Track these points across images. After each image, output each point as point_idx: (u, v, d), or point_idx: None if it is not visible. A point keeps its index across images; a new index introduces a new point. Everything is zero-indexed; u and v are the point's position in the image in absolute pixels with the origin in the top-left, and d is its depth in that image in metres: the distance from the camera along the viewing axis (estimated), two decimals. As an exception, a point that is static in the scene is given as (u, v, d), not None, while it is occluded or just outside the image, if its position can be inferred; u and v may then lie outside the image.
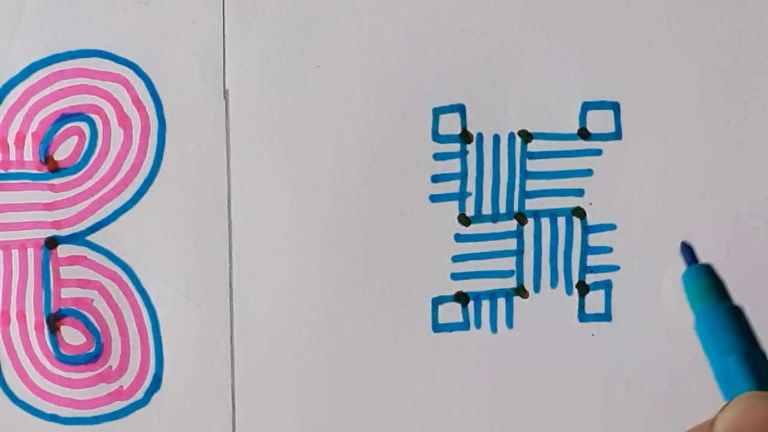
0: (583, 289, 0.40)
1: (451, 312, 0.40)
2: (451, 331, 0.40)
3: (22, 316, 0.38)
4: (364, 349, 0.40)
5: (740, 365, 0.31)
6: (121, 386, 0.39)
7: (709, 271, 0.33)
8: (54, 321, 0.39)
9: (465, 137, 0.40)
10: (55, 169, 0.38)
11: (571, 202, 0.40)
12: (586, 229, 0.40)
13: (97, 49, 0.38)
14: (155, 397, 0.39)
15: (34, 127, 0.38)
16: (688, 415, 0.32)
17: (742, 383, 0.30)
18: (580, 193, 0.40)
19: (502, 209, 0.40)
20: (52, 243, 0.38)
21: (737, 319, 0.32)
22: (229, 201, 0.39)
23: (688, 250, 0.34)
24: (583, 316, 0.40)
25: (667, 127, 0.40)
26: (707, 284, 0.33)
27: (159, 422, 0.39)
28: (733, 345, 0.31)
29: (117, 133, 0.38)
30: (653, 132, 0.40)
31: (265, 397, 0.39)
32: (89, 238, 0.39)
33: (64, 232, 0.38)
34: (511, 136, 0.40)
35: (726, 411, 0.29)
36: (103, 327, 0.39)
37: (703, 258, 0.32)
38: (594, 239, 0.40)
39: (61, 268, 0.38)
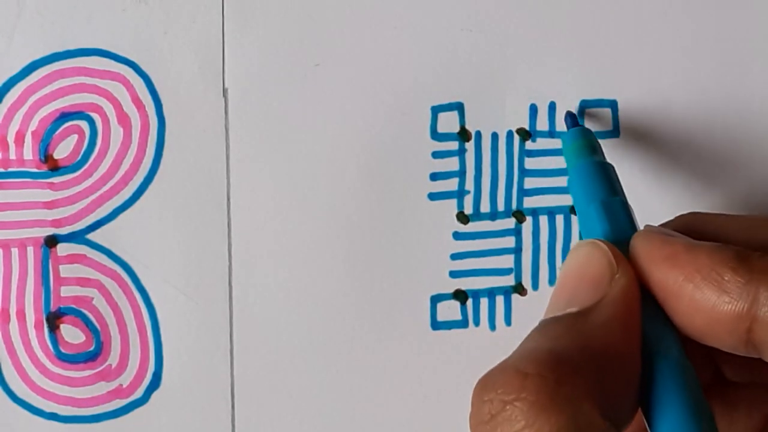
0: (582, 286, 0.40)
1: (449, 310, 0.40)
2: (449, 328, 0.40)
3: (21, 315, 0.38)
4: (363, 346, 0.40)
5: (598, 211, 0.31)
6: (121, 384, 0.39)
7: (585, 132, 0.35)
8: (53, 319, 0.39)
9: (463, 135, 0.40)
10: (55, 168, 0.38)
11: (569, 200, 0.40)
12: (585, 227, 0.40)
13: (97, 47, 0.38)
14: (155, 395, 0.39)
15: (33, 125, 0.38)
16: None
17: (598, 227, 0.31)
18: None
19: (501, 207, 0.40)
20: (51, 241, 0.38)
21: (603, 172, 0.33)
22: (228, 199, 0.39)
23: (570, 116, 0.36)
24: (581, 314, 0.40)
25: (664, 126, 0.40)
26: (582, 143, 0.34)
27: (158, 420, 0.39)
28: (595, 193, 0.32)
29: (116, 132, 0.38)
30: (651, 130, 0.40)
31: (265, 395, 0.39)
32: (89, 236, 0.39)
33: (64, 230, 0.38)
34: (510, 134, 0.40)
35: (568, 255, 0.30)
36: (103, 325, 0.39)
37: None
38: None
39: (60, 267, 0.39)
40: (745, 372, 0.33)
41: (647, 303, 0.29)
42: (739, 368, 0.33)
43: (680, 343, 0.29)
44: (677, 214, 0.34)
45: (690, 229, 0.32)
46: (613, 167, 0.34)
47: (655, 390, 0.28)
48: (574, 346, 0.27)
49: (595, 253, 0.30)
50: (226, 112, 0.39)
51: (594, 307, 0.28)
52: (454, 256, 0.40)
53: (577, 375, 0.27)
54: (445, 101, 0.39)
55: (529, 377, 0.26)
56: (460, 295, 0.40)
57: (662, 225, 0.32)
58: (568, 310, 0.29)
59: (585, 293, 0.29)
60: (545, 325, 0.29)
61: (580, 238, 0.32)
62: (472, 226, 0.40)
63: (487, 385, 0.27)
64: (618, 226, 0.31)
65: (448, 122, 0.40)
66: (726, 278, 0.28)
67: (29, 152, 0.38)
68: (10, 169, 0.38)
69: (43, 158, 0.38)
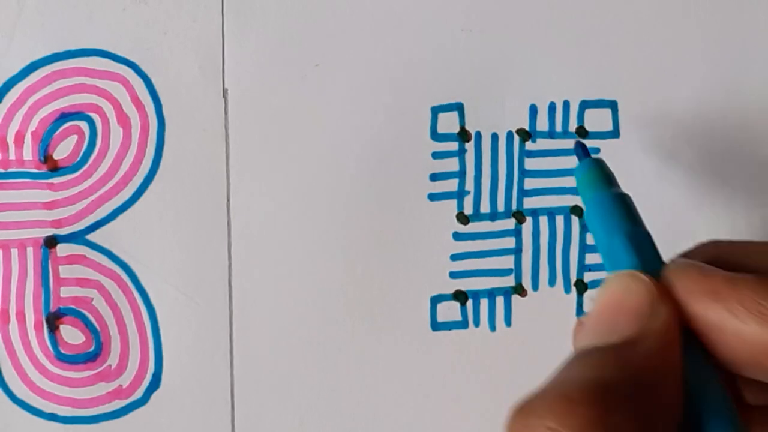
0: (581, 287, 0.40)
1: (449, 310, 0.40)
2: (449, 329, 0.40)
3: (21, 316, 0.38)
4: (362, 347, 0.40)
5: (624, 243, 0.31)
6: (121, 385, 0.39)
7: (598, 163, 0.35)
8: (53, 320, 0.39)
9: (463, 136, 0.40)
10: (55, 168, 0.38)
11: (569, 200, 0.40)
12: (585, 228, 0.40)
13: (97, 48, 0.38)
14: (154, 396, 0.39)
15: (33, 126, 0.38)
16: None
17: (625, 260, 0.31)
18: (578, 191, 0.40)
19: (501, 208, 0.40)
20: (51, 242, 0.38)
21: (623, 203, 0.33)
22: (228, 199, 0.39)
23: (580, 147, 0.35)
24: (581, 315, 0.40)
25: (664, 126, 0.40)
26: (596, 175, 0.34)
27: (158, 421, 0.39)
28: (618, 226, 0.32)
29: (116, 132, 0.38)
30: (651, 130, 0.40)
31: (264, 395, 0.39)
32: (88, 237, 0.39)
33: (64, 231, 0.38)
34: (510, 135, 0.40)
35: (602, 286, 0.30)
36: (103, 326, 0.39)
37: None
38: (592, 237, 0.40)
39: (60, 267, 0.39)
40: (765, 395, 0.33)
41: (684, 335, 0.29)
42: (759, 392, 0.33)
43: (723, 387, 0.29)
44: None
45: (713, 258, 0.32)
46: (630, 197, 0.34)
47: (703, 425, 0.28)
48: (620, 377, 0.27)
49: (634, 284, 0.29)
50: (225, 113, 0.39)
51: (637, 339, 0.28)
52: (454, 257, 0.40)
53: (625, 405, 0.26)
54: (445, 102, 0.39)
55: (576, 404, 0.26)
56: (460, 296, 0.40)
57: (684, 255, 0.32)
58: (609, 341, 0.28)
59: (625, 324, 0.28)
60: (586, 353, 0.28)
61: (607, 270, 0.32)
62: (472, 227, 0.40)
63: (529, 411, 0.27)
64: (645, 257, 0.31)
65: (448, 123, 0.40)
66: None
67: (29, 153, 0.38)
68: (9, 170, 0.38)
69: (42, 159, 0.38)
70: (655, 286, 0.29)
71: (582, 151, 0.36)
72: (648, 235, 0.32)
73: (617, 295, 0.29)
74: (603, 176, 0.35)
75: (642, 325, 0.28)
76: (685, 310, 0.29)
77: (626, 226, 0.32)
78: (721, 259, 0.31)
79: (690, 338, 0.29)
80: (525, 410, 0.27)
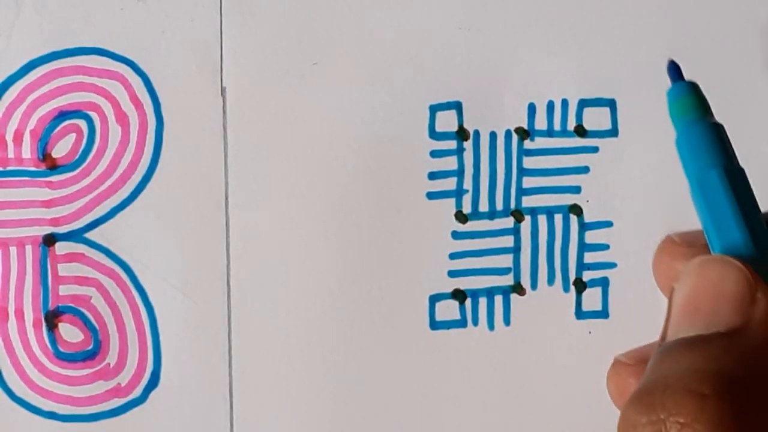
0: (580, 286, 0.40)
1: (448, 309, 0.40)
2: (448, 328, 0.40)
3: (20, 314, 0.38)
4: (361, 346, 0.40)
5: (720, 178, 0.30)
6: (119, 383, 0.39)
7: (694, 88, 0.33)
8: (52, 318, 0.39)
9: (462, 134, 0.40)
10: (53, 167, 0.38)
11: (567, 199, 0.40)
12: (583, 227, 0.40)
13: (95, 46, 0.38)
14: (153, 394, 0.39)
15: (32, 124, 0.38)
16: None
17: (722, 198, 0.30)
18: (576, 190, 0.40)
19: (499, 206, 0.40)
20: (50, 240, 0.38)
21: (719, 135, 0.32)
22: (226, 198, 0.39)
23: (674, 68, 0.34)
24: (580, 314, 0.40)
25: (663, 124, 0.40)
26: (691, 102, 0.33)
27: (157, 419, 0.39)
28: (714, 159, 0.31)
29: (115, 131, 0.38)
30: (650, 129, 0.40)
31: (263, 394, 0.39)
32: (87, 235, 0.39)
33: (62, 229, 0.39)
34: (508, 134, 0.40)
35: (692, 271, 0.28)
36: (101, 324, 0.39)
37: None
38: (591, 236, 0.40)
39: (59, 266, 0.39)
40: None
41: None
42: None
43: None
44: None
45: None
46: (724, 129, 0.33)
47: None
48: (739, 367, 0.26)
49: (731, 271, 0.28)
50: (224, 111, 0.39)
51: (744, 329, 0.27)
52: (453, 256, 0.40)
53: (749, 398, 0.25)
54: (443, 100, 0.39)
55: (707, 399, 0.25)
56: (459, 295, 0.40)
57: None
58: (714, 330, 0.27)
59: (728, 314, 0.27)
60: (693, 342, 0.27)
61: (698, 210, 0.30)
62: (471, 226, 0.40)
63: (649, 405, 0.25)
64: (743, 198, 0.30)
65: (447, 121, 0.39)
66: None
67: (27, 151, 0.38)
68: (8, 168, 0.38)
69: (41, 157, 0.38)
70: (752, 274, 0.28)
71: (676, 73, 0.34)
72: (743, 172, 0.30)
73: (713, 281, 0.28)
74: (698, 103, 0.32)
75: (745, 313, 0.27)
76: None
77: (723, 160, 0.31)
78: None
79: None
80: (650, 404, 0.26)
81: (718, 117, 0.40)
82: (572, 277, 0.40)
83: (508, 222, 0.40)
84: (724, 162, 0.31)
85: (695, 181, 0.31)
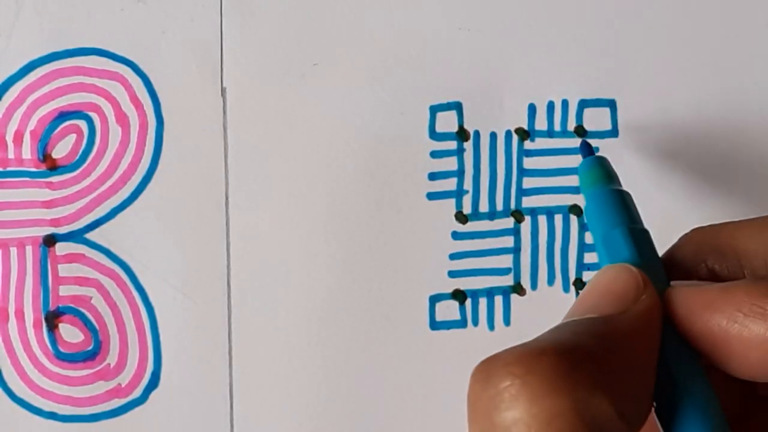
0: (580, 286, 0.40)
1: (448, 309, 0.40)
2: (448, 328, 0.40)
3: (20, 314, 0.39)
4: (361, 346, 0.40)
5: (624, 235, 0.32)
6: (119, 384, 0.39)
7: (602, 161, 0.35)
8: (52, 319, 0.39)
9: (462, 135, 0.40)
10: (54, 167, 0.38)
11: (567, 199, 0.40)
12: (583, 227, 0.40)
13: (95, 47, 0.38)
14: (153, 394, 0.39)
15: (32, 125, 0.38)
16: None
17: (624, 252, 0.31)
18: (576, 190, 0.40)
19: (499, 207, 0.40)
20: (50, 241, 0.38)
21: (624, 200, 0.33)
22: (226, 198, 0.39)
23: (585, 145, 0.36)
24: (580, 314, 0.40)
25: (663, 125, 0.40)
26: (599, 172, 0.35)
27: (157, 420, 0.39)
28: (619, 220, 0.32)
29: (115, 131, 0.38)
30: (650, 129, 0.40)
31: (263, 395, 0.39)
32: (87, 236, 0.39)
33: (63, 229, 0.39)
34: (508, 134, 0.40)
35: (594, 275, 0.30)
36: (102, 325, 0.39)
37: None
38: (591, 237, 0.40)
39: (59, 266, 0.39)
40: None
41: (674, 339, 0.29)
42: None
43: (706, 378, 0.29)
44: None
45: (699, 246, 0.32)
46: (631, 195, 0.34)
47: (679, 419, 0.28)
48: (593, 342, 0.27)
49: (624, 273, 0.30)
50: (224, 112, 0.39)
51: (615, 317, 0.28)
52: (453, 256, 0.40)
53: (593, 364, 0.26)
54: (443, 101, 0.39)
55: (544, 355, 0.26)
56: (459, 295, 0.40)
57: (670, 249, 0.33)
58: (588, 315, 0.28)
59: (607, 304, 0.29)
60: (562, 324, 0.29)
61: (602, 264, 0.32)
62: (471, 226, 0.40)
63: (494, 360, 0.27)
64: (643, 252, 0.32)
65: (447, 122, 0.40)
66: None
67: (28, 151, 0.38)
68: (8, 169, 0.38)
69: (41, 157, 0.38)
70: (643, 279, 0.29)
71: (587, 150, 0.36)
72: (646, 232, 0.32)
73: (606, 281, 0.30)
74: (606, 173, 0.35)
75: (623, 308, 0.29)
76: (688, 329, 0.29)
77: (627, 221, 0.33)
78: (706, 245, 0.32)
79: (680, 339, 0.29)
80: (491, 359, 0.27)
81: (718, 116, 0.40)
82: (572, 277, 0.40)
83: (508, 222, 0.40)
84: (628, 222, 0.33)
85: (600, 240, 0.32)
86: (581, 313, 0.29)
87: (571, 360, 0.26)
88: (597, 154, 0.36)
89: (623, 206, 0.34)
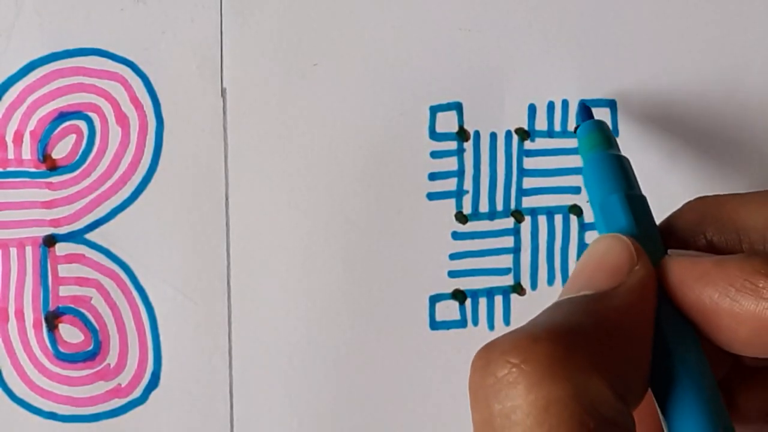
0: (580, 286, 0.40)
1: (448, 309, 0.40)
2: (448, 328, 0.40)
3: (20, 314, 0.39)
4: (361, 346, 0.40)
5: (621, 202, 0.32)
6: (119, 384, 0.39)
7: (601, 125, 0.35)
8: (52, 319, 0.39)
9: (462, 135, 0.40)
10: (53, 168, 0.38)
11: (567, 199, 0.40)
12: (583, 227, 0.40)
13: (95, 47, 0.38)
14: (153, 394, 0.39)
15: (32, 125, 0.38)
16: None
17: (621, 218, 0.31)
18: (576, 190, 0.40)
19: (499, 207, 0.40)
20: (50, 241, 0.38)
21: (622, 165, 0.33)
22: (226, 199, 0.39)
23: (584, 109, 0.36)
24: (580, 314, 0.40)
25: (663, 125, 0.40)
26: (598, 137, 0.34)
27: (157, 420, 0.39)
28: (616, 186, 0.32)
29: (115, 132, 0.38)
30: (650, 129, 0.40)
31: (263, 395, 0.39)
32: (87, 236, 0.39)
33: (62, 230, 0.39)
34: (508, 134, 0.40)
35: (588, 247, 0.30)
36: (102, 325, 0.39)
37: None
38: (591, 237, 0.40)
39: (59, 266, 0.39)
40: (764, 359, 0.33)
41: (669, 310, 0.29)
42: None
43: (701, 348, 0.29)
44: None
45: (701, 216, 0.32)
46: (629, 161, 0.34)
47: (675, 393, 0.28)
48: (588, 322, 0.27)
49: (616, 244, 0.30)
50: (224, 112, 0.39)
51: (610, 292, 0.29)
52: (453, 256, 0.40)
53: (589, 346, 0.27)
54: (443, 101, 0.39)
55: (539, 341, 0.26)
56: (459, 295, 0.40)
57: (669, 217, 0.33)
58: (583, 292, 0.29)
59: (601, 279, 0.29)
60: (557, 303, 0.29)
61: (599, 232, 0.32)
62: (471, 226, 0.40)
63: (492, 347, 0.27)
64: (640, 219, 0.31)
65: (447, 122, 0.39)
66: (761, 285, 0.28)
67: (28, 152, 0.38)
68: (8, 169, 0.38)
69: (41, 158, 0.38)
70: (636, 248, 0.30)
71: (585, 113, 0.36)
72: (643, 198, 0.32)
73: (598, 254, 0.30)
74: (605, 138, 0.35)
75: (618, 281, 0.29)
76: (681, 301, 0.29)
77: (625, 187, 0.33)
78: (708, 215, 0.32)
79: (675, 313, 0.29)
80: (488, 346, 0.27)
81: (718, 116, 0.40)
82: (572, 277, 0.40)
83: (509, 222, 0.40)
84: (625, 188, 0.33)
85: (598, 206, 0.32)
86: (576, 289, 0.29)
87: (566, 344, 0.26)
88: (596, 119, 0.36)
89: (622, 172, 0.33)
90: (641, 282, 0.29)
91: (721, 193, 0.40)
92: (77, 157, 0.38)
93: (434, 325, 0.40)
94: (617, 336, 0.28)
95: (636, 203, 0.32)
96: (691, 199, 0.33)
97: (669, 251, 0.31)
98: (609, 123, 0.40)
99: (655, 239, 0.31)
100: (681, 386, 0.28)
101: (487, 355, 0.27)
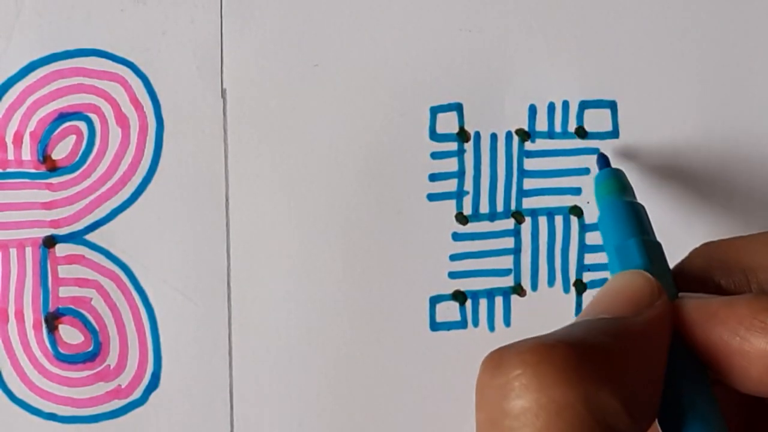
0: (581, 287, 0.40)
1: (448, 310, 0.40)
2: (448, 329, 0.40)
3: (20, 315, 0.38)
4: (361, 347, 0.40)
5: (638, 246, 0.32)
6: (120, 385, 0.39)
7: (618, 173, 0.36)
8: (52, 320, 0.39)
9: (462, 136, 0.40)
10: (53, 168, 0.38)
11: (568, 200, 0.40)
12: (584, 228, 0.40)
13: (95, 48, 0.38)
14: (153, 395, 0.39)
15: (32, 126, 0.38)
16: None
17: (638, 260, 0.31)
18: (577, 191, 0.40)
19: (500, 208, 0.40)
20: (50, 242, 0.38)
21: (639, 212, 0.34)
22: (227, 200, 0.39)
23: (603, 158, 0.36)
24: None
25: (664, 126, 0.40)
26: (615, 184, 0.35)
27: (157, 421, 0.39)
28: (633, 231, 0.33)
29: (115, 133, 0.38)
30: (650, 131, 0.40)
31: (263, 396, 0.39)
32: (87, 237, 0.39)
33: (62, 231, 0.38)
34: (509, 135, 0.40)
35: (609, 280, 0.31)
36: (102, 326, 0.39)
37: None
38: (591, 238, 0.40)
39: (59, 267, 0.39)
40: None
41: (682, 351, 0.30)
42: None
43: (710, 389, 0.29)
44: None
45: (708, 261, 0.32)
46: (644, 209, 0.35)
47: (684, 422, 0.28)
48: (605, 340, 0.27)
49: (638, 278, 0.30)
50: (224, 113, 0.39)
51: (629, 319, 0.29)
52: (453, 257, 0.40)
53: (604, 361, 0.27)
54: (444, 102, 0.39)
55: (557, 347, 0.26)
56: (459, 296, 0.40)
57: (680, 263, 0.33)
58: (601, 316, 0.29)
59: (621, 307, 0.29)
60: (574, 323, 0.29)
61: (612, 274, 0.32)
62: (471, 227, 0.40)
63: (507, 348, 0.27)
64: (656, 263, 0.32)
65: (447, 123, 0.39)
66: None
67: (27, 153, 0.38)
68: (8, 170, 0.38)
69: (41, 159, 0.38)
70: (658, 286, 0.30)
71: (604, 162, 0.37)
72: (659, 245, 0.33)
73: (619, 285, 0.30)
74: (622, 185, 0.35)
75: (637, 311, 0.29)
76: (692, 340, 0.29)
77: (641, 233, 0.33)
78: (715, 259, 0.32)
79: (687, 350, 0.29)
80: (503, 348, 0.27)
81: (719, 117, 0.40)
82: (572, 278, 0.40)
83: (509, 223, 0.40)
84: (641, 234, 0.33)
85: (613, 249, 0.33)
86: (595, 314, 0.29)
87: (583, 353, 0.26)
88: (614, 167, 0.37)
89: (638, 218, 0.34)
90: (660, 315, 0.29)
91: (722, 194, 0.40)
92: (77, 158, 0.38)
93: (434, 326, 0.40)
94: (632, 357, 0.28)
95: (652, 248, 0.32)
96: (697, 245, 0.33)
97: (680, 294, 0.31)
98: (609, 123, 0.40)
99: (669, 282, 0.31)
100: (687, 424, 0.28)
101: (501, 355, 0.27)
